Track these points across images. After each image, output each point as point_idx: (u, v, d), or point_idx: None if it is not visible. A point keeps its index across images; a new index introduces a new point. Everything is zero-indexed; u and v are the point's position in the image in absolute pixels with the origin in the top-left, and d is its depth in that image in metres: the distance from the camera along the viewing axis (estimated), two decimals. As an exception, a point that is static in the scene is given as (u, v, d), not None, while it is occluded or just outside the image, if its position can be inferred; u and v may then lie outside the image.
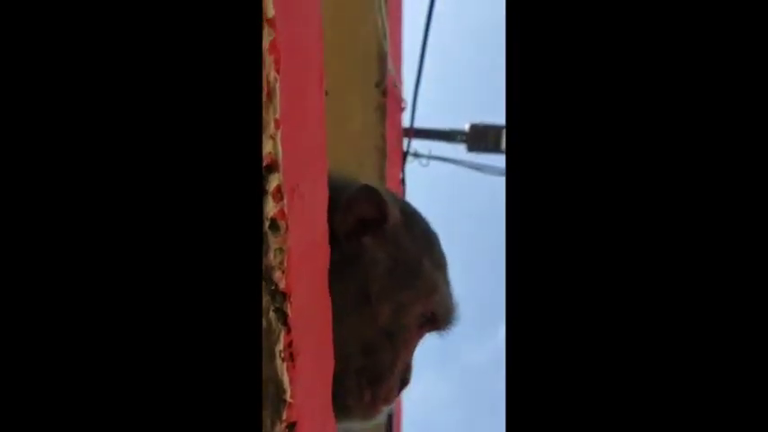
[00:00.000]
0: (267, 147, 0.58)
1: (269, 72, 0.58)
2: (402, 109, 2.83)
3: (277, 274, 0.62)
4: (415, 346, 1.08)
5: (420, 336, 1.08)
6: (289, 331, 0.63)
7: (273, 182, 0.59)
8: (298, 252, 0.63)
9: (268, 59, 0.58)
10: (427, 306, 1.06)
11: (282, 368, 0.64)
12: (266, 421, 0.65)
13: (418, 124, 3.17)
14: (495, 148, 3.42)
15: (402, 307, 1.04)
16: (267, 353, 0.64)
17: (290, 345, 0.64)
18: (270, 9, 0.57)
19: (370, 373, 1.00)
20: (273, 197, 0.59)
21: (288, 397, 0.64)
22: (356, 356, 0.98)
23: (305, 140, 0.66)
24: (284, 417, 0.64)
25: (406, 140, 2.99)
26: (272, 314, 0.63)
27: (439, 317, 1.08)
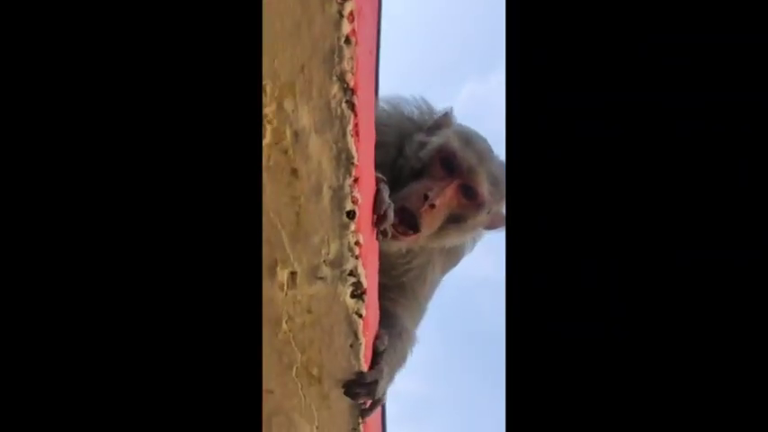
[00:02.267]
0: (343, -18, 0.81)
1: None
2: None
3: (349, 76, 0.88)
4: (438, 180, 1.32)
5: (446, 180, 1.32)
6: (356, 116, 0.91)
7: (348, 8, 0.83)
8: (361, 59, 0.89)
9: None
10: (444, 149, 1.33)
11: (351, 142, 0.93)
12: (339, 178, 0.95)
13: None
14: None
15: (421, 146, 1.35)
16: (341, 132, 0.92)
17: (356, 126, 0.92)
18: None
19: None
20: (348, 19, 0.83)
21: (355, 161, 0.94)
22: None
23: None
24: (353, 173, 0.94)
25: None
26: (344, 104, 0.90)
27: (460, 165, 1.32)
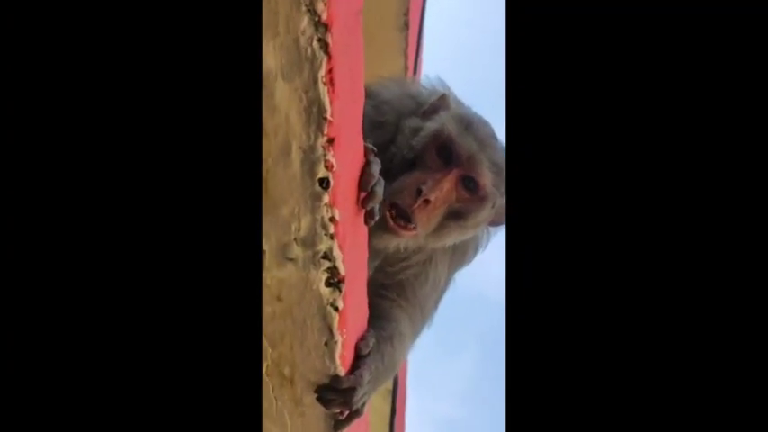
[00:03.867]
0: None
1: None
2: None
3: (320, 6, 0.72)
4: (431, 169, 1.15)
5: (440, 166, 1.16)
6: (330, 59, 0.75)
7: None
8: (338, -12, 0.73)
9: None
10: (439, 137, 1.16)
11: (324, 91, 0.76)
12: (310, 136, 0.79)
13: None
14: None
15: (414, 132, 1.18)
16: (311, 78, 0.76)
17: (330, 71, 0.76)
18: None
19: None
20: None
21: (329, 116, 0.77)
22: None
23: None
24: (325, 132, 0.78)
25: None
26: (315, 43, 0.74)
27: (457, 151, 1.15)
